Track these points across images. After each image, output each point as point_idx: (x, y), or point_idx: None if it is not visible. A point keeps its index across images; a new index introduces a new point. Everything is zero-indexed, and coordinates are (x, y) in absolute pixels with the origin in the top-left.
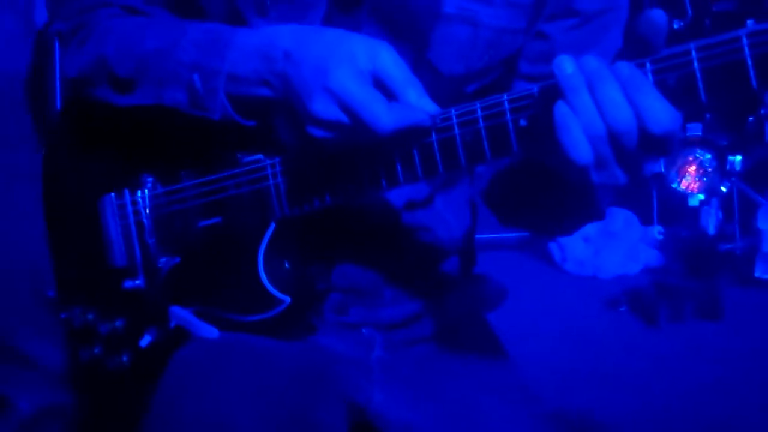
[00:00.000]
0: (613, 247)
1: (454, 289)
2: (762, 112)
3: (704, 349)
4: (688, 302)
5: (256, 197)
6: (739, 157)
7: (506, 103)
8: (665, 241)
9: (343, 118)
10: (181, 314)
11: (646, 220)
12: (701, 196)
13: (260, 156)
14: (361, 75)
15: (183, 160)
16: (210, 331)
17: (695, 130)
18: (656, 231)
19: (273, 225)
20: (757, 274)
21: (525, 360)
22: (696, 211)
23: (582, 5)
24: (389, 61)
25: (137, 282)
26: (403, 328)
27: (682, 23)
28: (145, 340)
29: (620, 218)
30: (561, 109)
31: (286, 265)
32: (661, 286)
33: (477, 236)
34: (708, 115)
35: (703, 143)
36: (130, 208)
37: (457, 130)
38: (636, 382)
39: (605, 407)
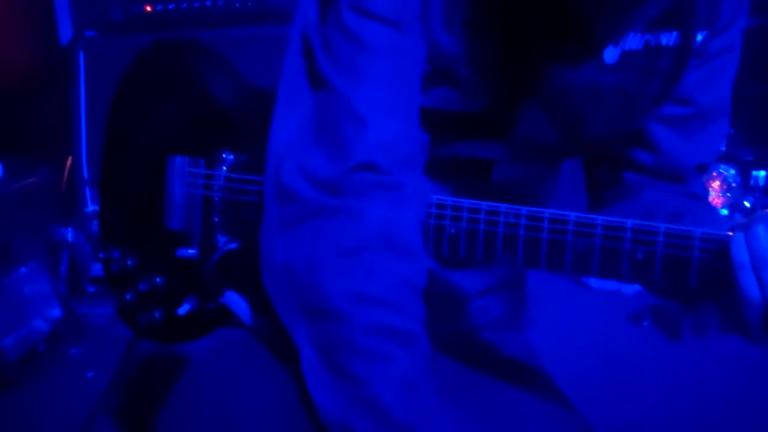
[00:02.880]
0: None
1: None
2: None
3: (729, 362)
4: (712, 316)
5: None
6: (763, 173)
7: (662, 235)
8: None
9: None
10: (235, 300)
11: None
12: (725, 212)
13: None
14: None
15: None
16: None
17: None
18: None
19: None
20: None
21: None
22: None
23: (698, 96)
24: None
25: (191, 252)
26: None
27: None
28: (184, 308)
29: None
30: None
31: None
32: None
33: None
34: (732, 131)
35: (727, 158)
36: (202, 180)
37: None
38: (661, 398)
39: (630, 423)
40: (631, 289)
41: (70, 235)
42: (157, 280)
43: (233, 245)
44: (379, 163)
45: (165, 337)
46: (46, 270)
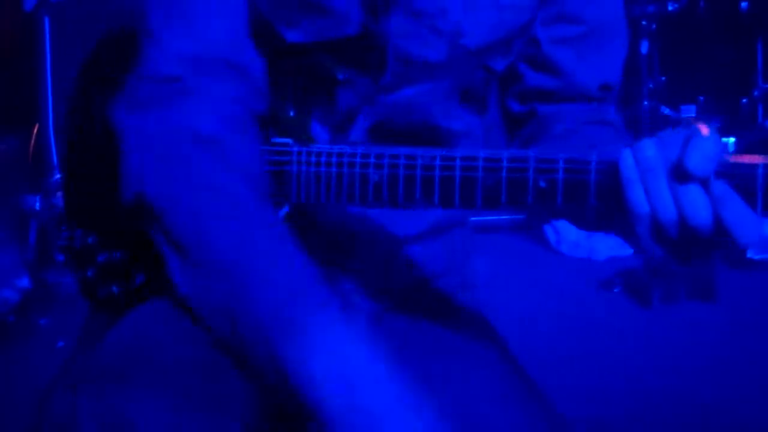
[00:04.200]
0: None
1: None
2: (755, 94)
3: (698, 329)
4: (682, 283)
5: (276, 177)
6: (732, 139)
7: (561, 162)
8: None
9: None
10: None
11: None
12: None
13: (290, 140)
14: None
15: None
16: None
17: (689, 111)
18: None
19: (287, 208)
20: (749, 255)
21: (519, 341)
22: None
23: (587, 13)
24: None
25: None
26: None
27: (677, 5)
28: (140, 278)
29: None
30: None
31: None
32: (654, 267)
33: (472, 219)
34: (702, 98)
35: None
36: None
37: (501, 173)
38: (630, 363)
39: (599, 387)
40: (602, 256)
41: (38, 203)
42: (116, 255)
43: None
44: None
45: (122, 310)
46: (15, 239)
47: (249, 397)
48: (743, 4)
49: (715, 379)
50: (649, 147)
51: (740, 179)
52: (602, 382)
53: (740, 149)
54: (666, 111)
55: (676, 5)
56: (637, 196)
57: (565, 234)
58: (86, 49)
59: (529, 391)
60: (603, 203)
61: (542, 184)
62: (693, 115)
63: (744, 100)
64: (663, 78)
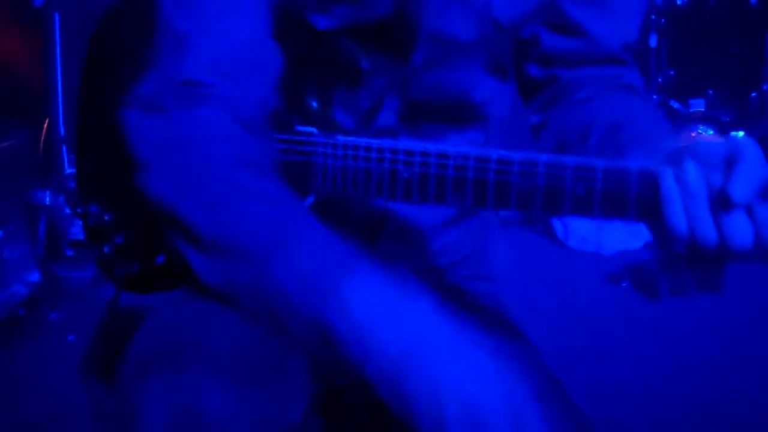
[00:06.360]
0: (615, 223)
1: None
2: (764, 87)
3: (706, 322)
4: (690, 276)
5: (301, 167)
6: (741, 133)
7: (600, 172)
8: None
9: None
10: None
11: None
12: None
13: (314, 129)
14: None
15: None
16: None
17: (698, 105)
18: None
19: (312, 198)
20: None
21: (528, 335)
22: None
23: None
24: None
25: None
26: None
27: None
28: (159, 260)
29: None
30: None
31: None
32: (662, 260)
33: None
34: (711, 92)
35: (706, 119)
36: None
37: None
38: (638, 356)
39: (607, 381)
40: (610, 249)
41: (48, 198)
42: (133, 233)
43: None
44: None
45: (143, 289)
46: (25, 233)
47: (306, 373)
48: None
49: (724, 372)
50: (691, 171)
51: None
52: (611, 376)
53: None
54: (675, 105)
55: None
56: (677, 218)
57: (574, 228)
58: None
59: (560, 392)
60: (641, 216)
61: (579, 192)
62: (702, 109)
63: (753, 94)
64: (672, 72)
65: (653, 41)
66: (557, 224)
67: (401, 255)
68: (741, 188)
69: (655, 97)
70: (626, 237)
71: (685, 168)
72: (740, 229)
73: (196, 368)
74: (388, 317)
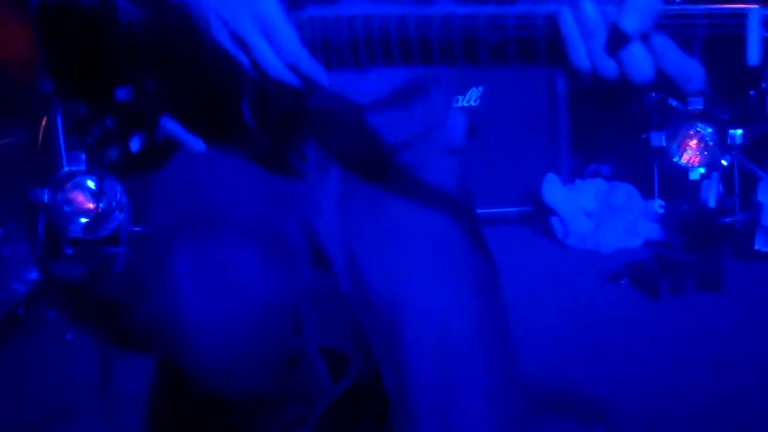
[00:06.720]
0: (614, 221)
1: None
2: (763, 85)
3: (705, 321)
4: (689, 275)
5: None
6: (740, 131)
7: (512, 19)
8: (666, 215)
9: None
10: (169, 125)
11: (647, 194)
12: (702, 170)
13: None
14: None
15: None
16: (197, 144)
17: (696, 103)
18: (657, 205)
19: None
20: (757, 247)
21: (526, 333)
22: (697, 184)
23: None
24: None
25: (125, 91)
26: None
27: None
28: (135, 144)
29: (621, 192)
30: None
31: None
32: (661, 259)
33: (478, 211)
34: (709, 89)
35: (704, 117)
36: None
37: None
38: (637, 355)
39: (605, 379)
40: (609, 248)
41: (46, 196)
42: (107, 122)
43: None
44: None
45: (128, 172)
46: (23, 232)
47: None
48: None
49: (723, 371)
50: (587, 8)
51: (679, 29)
52: (609, 375)
53: (748, 141)
54: (673, 103)
55: None
56: (578, 56)
57: (572, 226)
58: None
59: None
60: (551, 60)
61: (494, 41)
62: (700, 107)
63: (752, 92)
64: None
65: None
66: (556, 223)
67: (340, 132)
68: (632, 19)
69: (653, 95)
70: (625, 236)
71: (581, 6)
72: (638, 61)
73: (224, 234)
74: None
